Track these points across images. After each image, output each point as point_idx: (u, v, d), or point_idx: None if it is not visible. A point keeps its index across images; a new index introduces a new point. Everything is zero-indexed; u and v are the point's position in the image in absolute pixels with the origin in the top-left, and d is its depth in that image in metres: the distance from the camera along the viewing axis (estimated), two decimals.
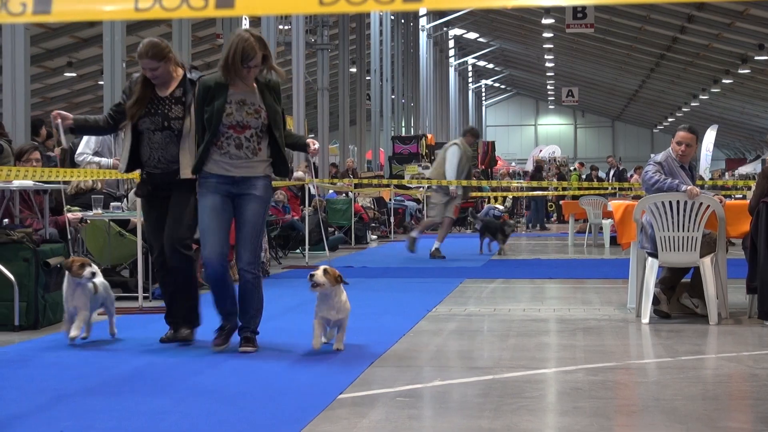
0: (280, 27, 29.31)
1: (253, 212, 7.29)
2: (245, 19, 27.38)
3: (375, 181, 27.30)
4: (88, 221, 10.79)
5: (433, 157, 34.68)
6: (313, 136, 36.92)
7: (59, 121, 7.48)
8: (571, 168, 38.32)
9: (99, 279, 7.85)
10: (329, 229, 20.16)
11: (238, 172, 7.22)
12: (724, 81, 49.49)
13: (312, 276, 6.79)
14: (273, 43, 27.70)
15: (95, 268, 7.69)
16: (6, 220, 9.06)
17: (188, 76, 7.74)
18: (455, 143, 17.37)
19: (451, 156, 16.82)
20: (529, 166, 46.82)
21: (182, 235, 7.56)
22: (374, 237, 23.49)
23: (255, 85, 7.29)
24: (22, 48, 16.81)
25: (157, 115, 7.63)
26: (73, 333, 7.41)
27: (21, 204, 9.44)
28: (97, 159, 12.27)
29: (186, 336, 7.60)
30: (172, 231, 7.54)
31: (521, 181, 35.18)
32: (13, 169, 9.35)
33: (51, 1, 3.01)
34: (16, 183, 8.96)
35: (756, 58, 41.24)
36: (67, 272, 7.57)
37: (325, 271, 6.85)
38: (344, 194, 22.99)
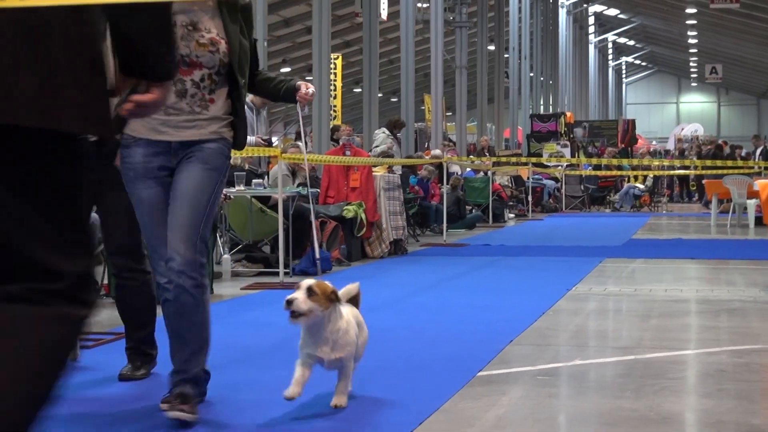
0: (419, 5, 29.30)
1: (195, 182, 4.69)
2: None
3: (513, 160, 27.19)
4: (231, 197, 11.04)
5: (572, 135, 34.40)
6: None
7: None
8: (718, 143, 37.45)
9: None
10: (467, 207, 20.16)
11: (176, 134, 4.70)
12: None
13: (290, 302, 4.38)
14: (411, 21, 27.76)
15: None
16: None
17: None
18: None
19: None
20: (671, 145, 46.01)
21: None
22: (512, 215, 23.44)
23: (213, 2, 4.88)
24: None
25: None
26: None
27: None
28: None
29: (143, 376, 5.56)
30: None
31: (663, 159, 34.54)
32: None
33: None
34: None
35: None
36: None
37: (310, 290, 4.42)
38: (482, 172, 22.93)
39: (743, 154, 33.56)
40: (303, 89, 5.37)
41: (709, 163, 25.59)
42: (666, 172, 31.13)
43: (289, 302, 4.38)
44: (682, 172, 31.00)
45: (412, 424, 4.51)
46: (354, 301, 5.15)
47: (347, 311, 4.77)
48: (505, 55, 40.22)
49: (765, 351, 6.43)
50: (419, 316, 7.90)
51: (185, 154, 4.70)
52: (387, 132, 19.05)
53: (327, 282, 4.58)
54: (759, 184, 9.92)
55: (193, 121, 4.71)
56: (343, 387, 4.73)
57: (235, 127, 4.90)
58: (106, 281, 8.92)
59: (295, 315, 4.39)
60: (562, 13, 47.58)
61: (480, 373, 5.59)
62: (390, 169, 15.19)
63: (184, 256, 4.55)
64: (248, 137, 12.48)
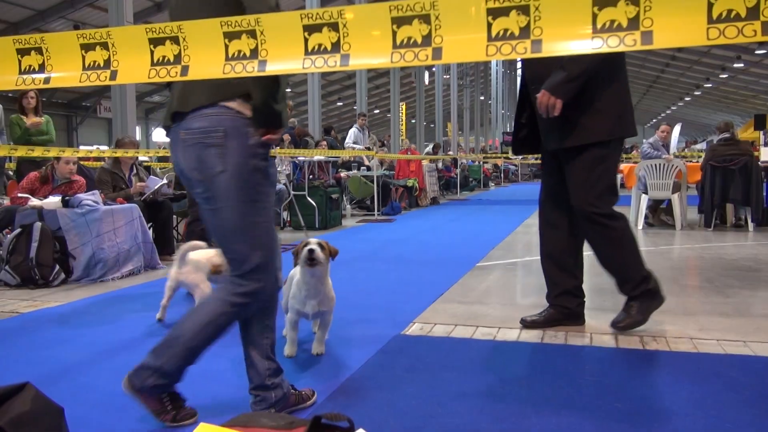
0: (445, 76, 28.90)
1: None
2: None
3: (494, 155, 26.81)
4: (350, 176, 11.07)
5: None
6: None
7: None
8: None
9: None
10: (469, 179, 19.96)
11: None
12: (685, 98, 46.17)
13: (313, 251, 2.65)
14: (440, 84, 27.33)
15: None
16: (311, 176, 9.31)
17: None
18: None
19: None
20: None
21: None
22: (493, 184, 23.13)
23: None
24: None
25: None
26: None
27: (318, 169, 9.70)
28: (355, 146, 12.48)
29: None
30: None
31: None
32: (315, 150, 9.64)
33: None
34: (316, 158, 9.22)
35: (705, 85, 38.32)
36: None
37: (321, 245, 2.71)
38: (477, 162, 22.67)
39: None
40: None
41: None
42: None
43: (312, 251, 2.64)
44: None
45: (444, 287, 4.49)
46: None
47: None
48: (489, 101, 39.56)
49: None
50: (445, 235, 7.87)
51: None
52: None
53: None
54: (624, 166, 9.66)
55: None
56: (322, 336, 2.96)
57: None
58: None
59: (314, 262, 2.66)
60: (518, 79, 46.47)
61: (477, 264, 5.56)
62: (430, 161, 15.08)
63: None
64: (358, 145, 12.51)
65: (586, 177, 3.01)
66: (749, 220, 7.72)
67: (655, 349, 3.01)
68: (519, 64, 41.21)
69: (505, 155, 27.72)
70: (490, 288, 4.56)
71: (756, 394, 2.42)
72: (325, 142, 10.96)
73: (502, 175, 25.11)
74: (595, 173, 3.01)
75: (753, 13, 1.22)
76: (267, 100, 1.88)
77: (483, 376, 2.64)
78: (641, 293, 3.14)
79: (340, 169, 11.66)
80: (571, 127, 2.96)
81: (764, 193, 7.83)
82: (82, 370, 2.84)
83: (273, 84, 1.88)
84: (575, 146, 3.00)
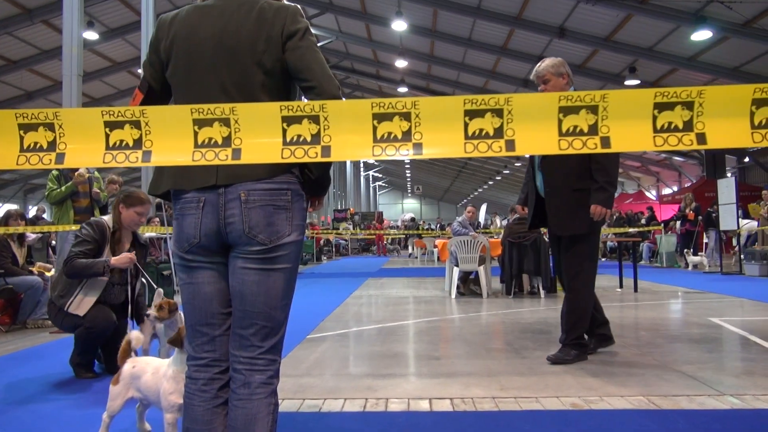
0: None
1: None
2: None
3: (326, 230, 27.16)
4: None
5: (354, 218, 34.66)
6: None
7: None
8: (420, 223, 38.58)
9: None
10: (302, 253, 19.93)
11: None
12: (489, 182, 50.65)
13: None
14: None
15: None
16: None
17: None
18: None
19: None
20: (399, 223, 47.01)
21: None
22: (325, 258, 23.31)
23: None
24: None
25: None
26: None
27: (150, 245, 9.11)
28: None
29: None
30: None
31: (394, 229, 35.14)
32: (147, 227, 9.07)
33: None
34: (147, 234, 8.66)
35: (504, 172, 42.32)
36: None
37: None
38: (311, 237, 22.82)
39: (437, 226, 34.57)
40: None
41: (419, 231, 26.24)
42: (398, 235, 31.73)
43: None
44: (401, 233, 31.67)
45: None
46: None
47: None
48: None
49: (441, 320, 6.52)
50: None
51: None
52: None
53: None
54: (438, 241, 10.27)
55: None
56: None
57: None
58: None
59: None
60: (347, 169, 48.11)
61: (308, 336, 5.50)
62: None
63: None
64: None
65: (576, 253, 4.15)
66: (541, 288, 8.50)
67: (463, 410, 3.14)
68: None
69: (336, 231, 28.28)
70: (320, 359, 4.52)
71: None
72: (157, 219, 10.35)
73: (333, 249, 25.43)
74: (582, 250, 4.15)
75: (593, 129, 1.46)
76: (324, 170, 1.92)
77: None
78: (575, 344, 4.21)
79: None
80: (575, 220, 4.09)
81: (551, 265, 8.71)
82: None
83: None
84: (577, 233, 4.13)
